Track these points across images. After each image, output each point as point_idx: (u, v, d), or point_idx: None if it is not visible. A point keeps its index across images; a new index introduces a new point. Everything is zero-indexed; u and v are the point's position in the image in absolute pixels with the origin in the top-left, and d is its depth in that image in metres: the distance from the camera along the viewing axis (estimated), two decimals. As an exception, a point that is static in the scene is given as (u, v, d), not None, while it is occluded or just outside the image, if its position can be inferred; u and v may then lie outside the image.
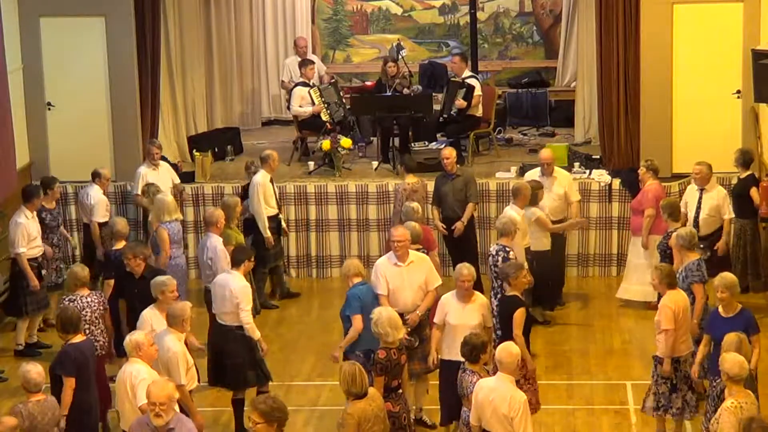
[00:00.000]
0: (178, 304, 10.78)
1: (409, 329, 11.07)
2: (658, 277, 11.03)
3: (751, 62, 14.03)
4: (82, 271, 11.87)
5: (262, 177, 14.95)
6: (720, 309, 10.59)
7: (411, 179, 14.97)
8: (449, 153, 14.71)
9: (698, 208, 14.09)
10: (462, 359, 9.98)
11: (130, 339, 9.76)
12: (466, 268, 10.97)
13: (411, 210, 13.19)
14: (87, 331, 11.32)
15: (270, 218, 14.93)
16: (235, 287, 11.50)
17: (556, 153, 16.46)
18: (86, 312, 11.59)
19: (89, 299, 11.73)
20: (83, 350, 10.41)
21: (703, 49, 15.75)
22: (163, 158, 15.89)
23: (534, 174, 14.70)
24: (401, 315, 10.81)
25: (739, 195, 14.71)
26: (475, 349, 9.76)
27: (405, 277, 11.47)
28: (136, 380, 9.54)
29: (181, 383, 10.10)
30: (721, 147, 15.42)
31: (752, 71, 14.02)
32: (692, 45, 15.79)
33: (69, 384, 10.14)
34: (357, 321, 11.15)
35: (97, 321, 11.76)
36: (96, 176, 15.14)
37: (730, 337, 9.61)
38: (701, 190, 14.12)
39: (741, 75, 15.44)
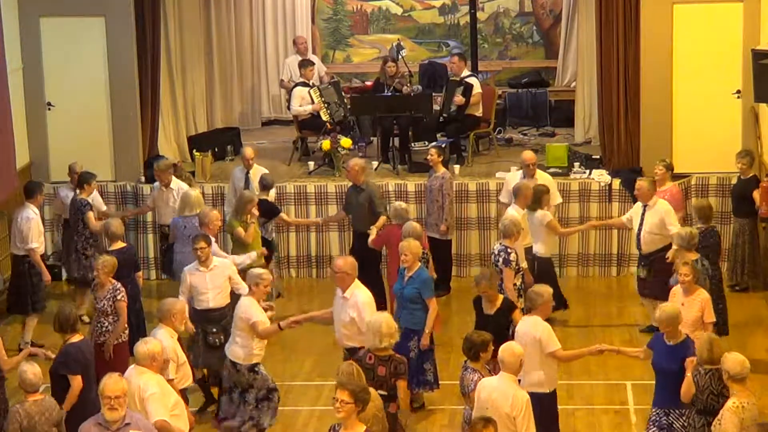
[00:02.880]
0: (169, 300, 10.89)
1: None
2: (693, 272, 11.05)
3: (751, 62, 14.02)
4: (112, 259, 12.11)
5: (239, 172, 15.27)
6: (665, 336, 10.10)
7: (443, 168, 15.01)
8: (354, 163, 14.59)
9: (641, 224, 13.57)
10: None
11: (147, 349, 9.61)
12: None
13: (402, 210, 13.29)
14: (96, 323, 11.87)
15: None
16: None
17: (556, 153, 16.53)
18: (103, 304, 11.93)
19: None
20: (83, 350, 10.42)
21: (703, 49, 15.76)
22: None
23: (516, 176, 14.68)
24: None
25: (740, 195, 14.74)
26: (474, 347, 9.77)
27: (338, 309, 11.26)
28: (145, 394, 9.41)
29: (170, 377, 10.18)
30: (721, 147, 15.45)
31: (752, 71, 14.00)
32: (692, 45, 15.80)
33: (76, 383, 10.14)
34: (435, 304, 11.84)
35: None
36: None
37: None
38: (644, 206, 13.58)
39: (741, 75, 15.45)
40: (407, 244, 12.02)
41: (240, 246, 13.68)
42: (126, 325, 12.00)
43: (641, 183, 13.66)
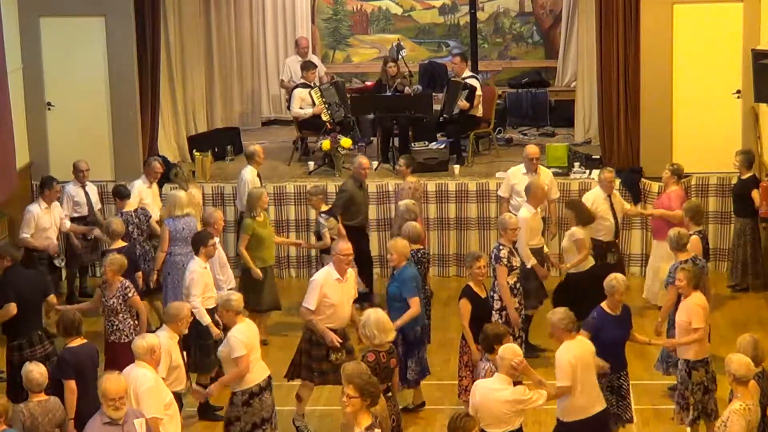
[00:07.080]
0: (176, 304, 10.86)
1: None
2: (686, 277, 10.91)
3: (751, 62, 14.04)
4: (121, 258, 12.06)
5: (249, 173, 15.00)
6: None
7: (412, 178, 14.98)
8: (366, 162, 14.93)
9: (614, 213, 14.05)
10: None
11: (145, 343, 9.63)
12: None
13: (409, 209, 13.26)
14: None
15: None
16: (186, 275, 12.09)
17: (556, 153, 16.52)
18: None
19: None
20: (79, 354, 10.36)
21: (703, 49, 15.76)
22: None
23: (518, 171, 14.67)
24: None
25: (740, 195, 14.74)
26: (486, 339, 9.80)
27: (345, 292, 11.58)
28: (141, 387, 9.42)
29: (162, 376, 10.11)
30: (721, 147, 15.44)
31: (752, 71, 14.03)
32: (692, 45, 15.80)
33: (69, 387, 10.10)
34: (415, 303, 11.66)
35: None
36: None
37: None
38: (608, 197, 14.06)
39: (741, 75, 15.45)
40: (393, 243, 12.05)
41: (259, 242, 13.66)
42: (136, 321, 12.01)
43: (609, 174, 14.22)
